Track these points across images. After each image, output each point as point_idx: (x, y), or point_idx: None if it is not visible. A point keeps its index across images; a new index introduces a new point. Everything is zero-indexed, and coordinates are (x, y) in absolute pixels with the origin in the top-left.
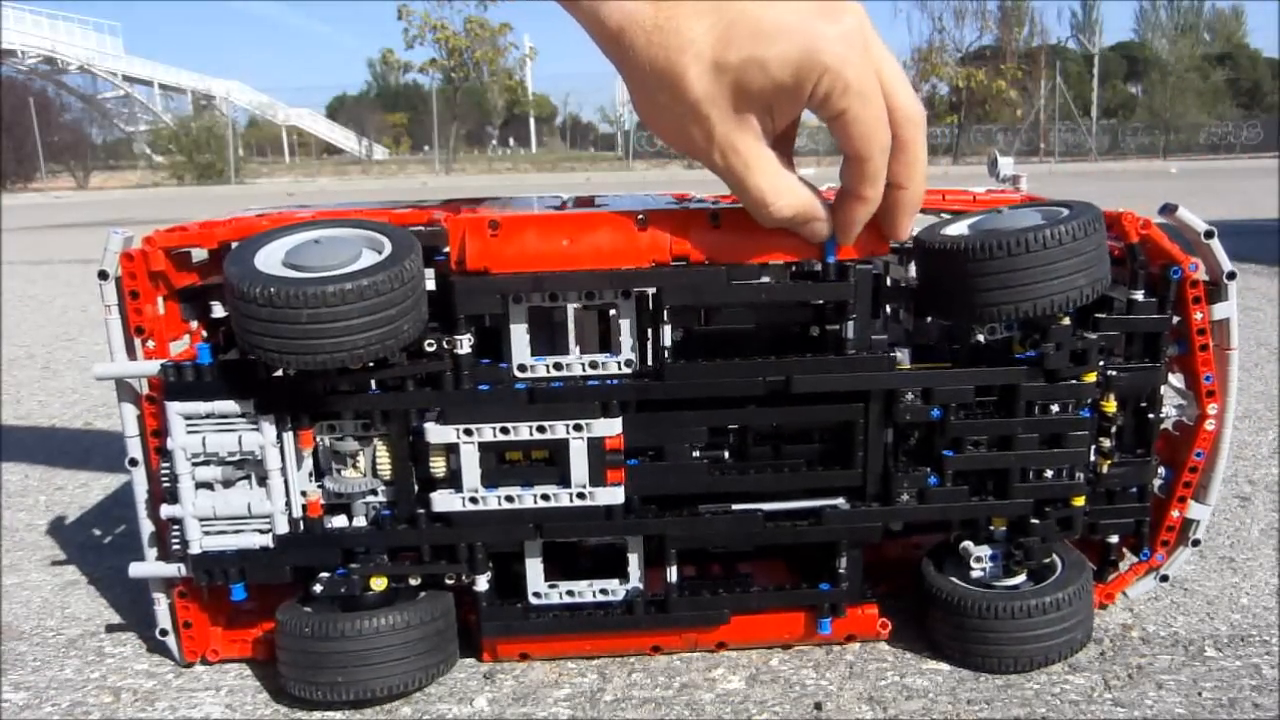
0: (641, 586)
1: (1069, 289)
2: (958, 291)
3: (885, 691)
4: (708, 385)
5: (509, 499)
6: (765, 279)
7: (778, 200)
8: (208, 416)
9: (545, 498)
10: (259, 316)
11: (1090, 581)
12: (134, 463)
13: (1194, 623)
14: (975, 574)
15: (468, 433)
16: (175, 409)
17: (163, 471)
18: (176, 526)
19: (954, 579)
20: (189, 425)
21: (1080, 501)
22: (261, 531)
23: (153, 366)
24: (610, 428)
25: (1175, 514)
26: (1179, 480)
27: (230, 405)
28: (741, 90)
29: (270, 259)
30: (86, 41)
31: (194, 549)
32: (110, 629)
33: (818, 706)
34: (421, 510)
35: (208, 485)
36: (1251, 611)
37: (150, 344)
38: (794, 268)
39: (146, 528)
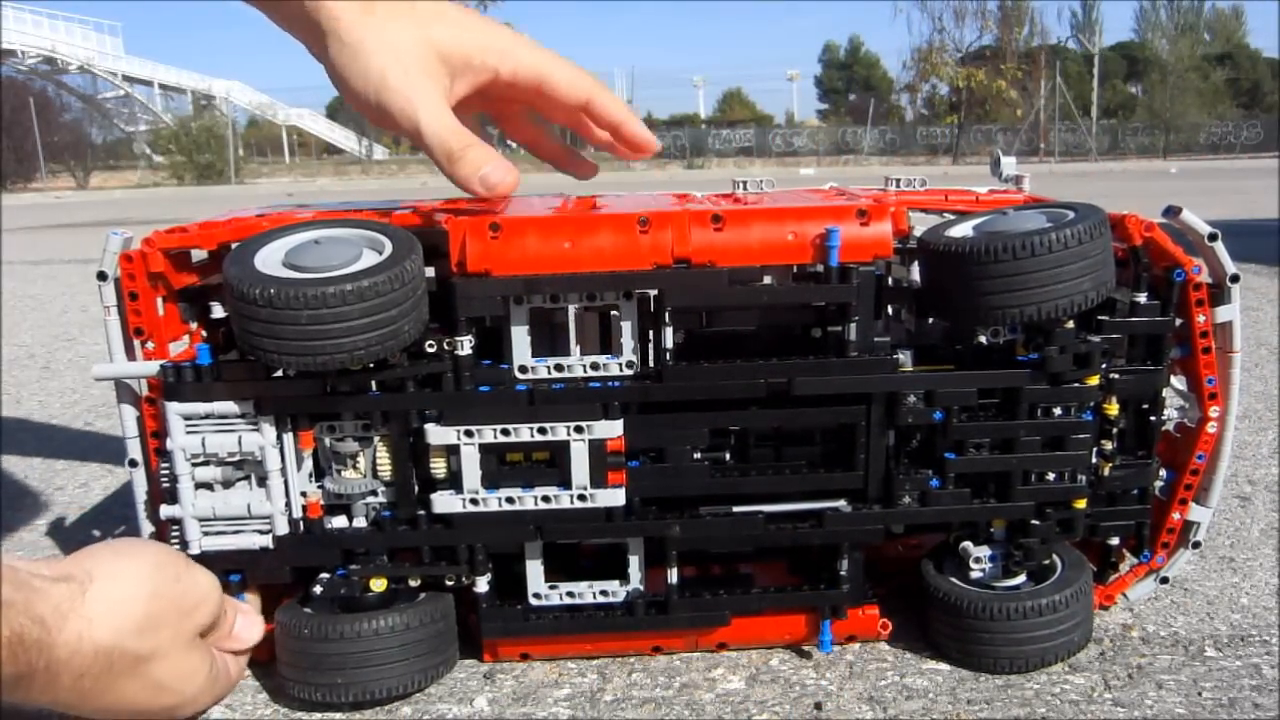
0: (642, 588)
1: (1074, 293)
2: (962, 294)
3: (885, 691)
4: (709, 387)
5: (509, 500)
6: (767, 280)
7: (449, 138)
8: (207, 417)
9: (546, 499)
10: (259, 317)
11: (1090, 583)
12: (134, 463)
13: (1194, 623)
14: (975, 575)
15: (468, 434)
16: (175, 409)
17: (162, 472)
18: (176, 527)
19: (953, 579)
20: (188, 426)
21: (1081, 504)
22: (261, 532)
23: (152, 367)
24: (611, 429)
25: (1176, 516)
26: (1180, 482)
27: (230, 406)
28: (439, 56)
29: (270, 260)
30: (86, 41)
31: (194, 549)
32: None
33: (818, 706)
34: (422, 511)
35: (207, 486)
36: (1251, 611)
37: (150, 345)
38: (796, 269)
39: (146, 528)
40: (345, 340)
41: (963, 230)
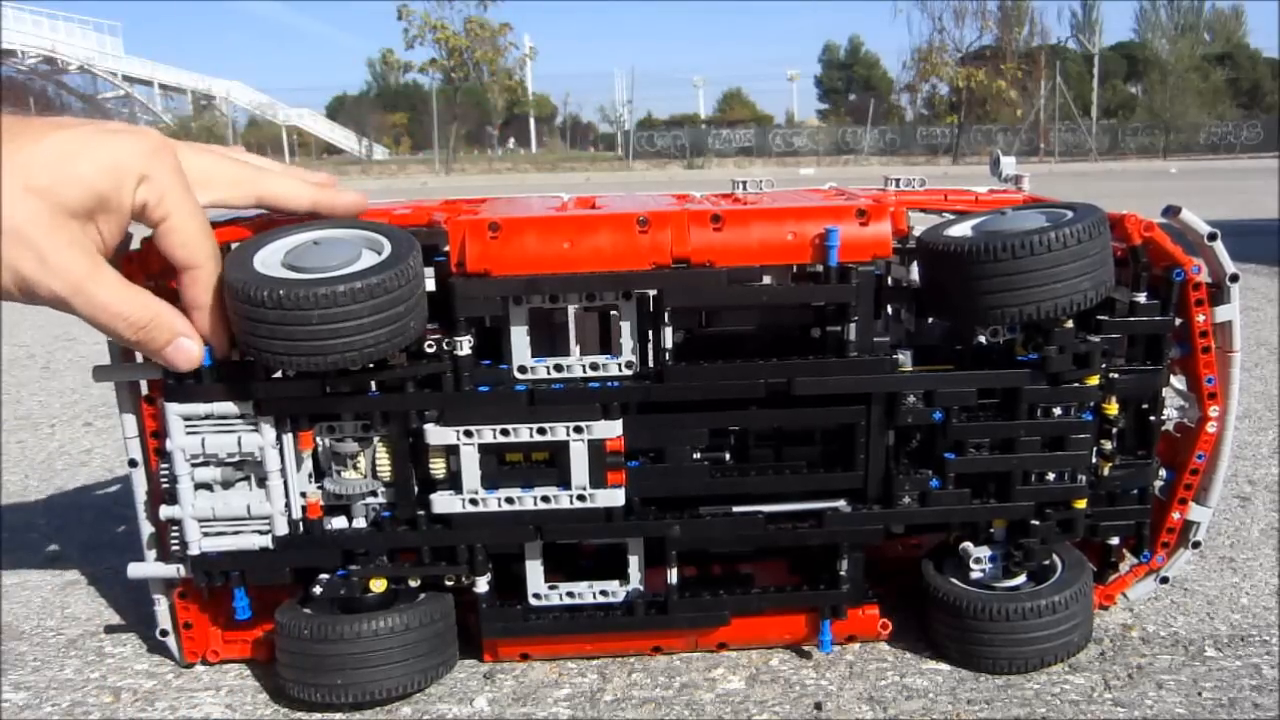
0: (642, 588)
1: (1073, 292)
2: (961, 293)
3: (885, 691)
4: (709, 387)
5: (509, 500)
6: (766, 280)
7: (131, 312)
8: (207, 418)
9: (545, 499)
10: (260, 318)
11: (1089, 583)
12: (134, 463)
13: (1194, 623)
14: (975, 575)
15: (468, 434)
16: (174, 410)
17: (162, 472)
18: (176, 527)
19: (953, 579)
20: (188, 426)
21: (1081, 504)
22: (261, 533)
23: (152, 368)
24: (611, 429)
25: (1176, 516)
26: (1180, 482)
27: (229, 406)
28: (63, 209)
29: (269, 260)
30: (86, 41)
31: (193, 550)
32: (110, 629)
33: (818, 706)
34: (421, 512)
35: (207, 486)
36: (1251, 611)
37: None
38: (795, 269)
39: (146, 528)
40: (344, 340)
41: (962, 230)
